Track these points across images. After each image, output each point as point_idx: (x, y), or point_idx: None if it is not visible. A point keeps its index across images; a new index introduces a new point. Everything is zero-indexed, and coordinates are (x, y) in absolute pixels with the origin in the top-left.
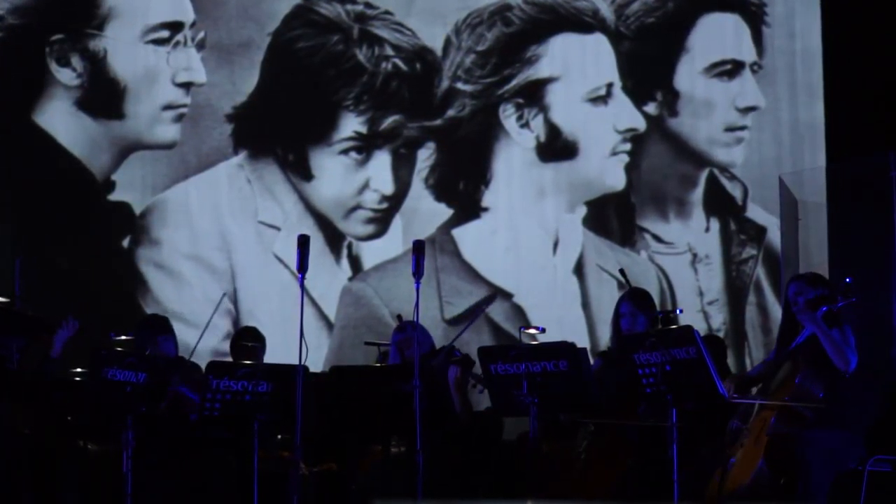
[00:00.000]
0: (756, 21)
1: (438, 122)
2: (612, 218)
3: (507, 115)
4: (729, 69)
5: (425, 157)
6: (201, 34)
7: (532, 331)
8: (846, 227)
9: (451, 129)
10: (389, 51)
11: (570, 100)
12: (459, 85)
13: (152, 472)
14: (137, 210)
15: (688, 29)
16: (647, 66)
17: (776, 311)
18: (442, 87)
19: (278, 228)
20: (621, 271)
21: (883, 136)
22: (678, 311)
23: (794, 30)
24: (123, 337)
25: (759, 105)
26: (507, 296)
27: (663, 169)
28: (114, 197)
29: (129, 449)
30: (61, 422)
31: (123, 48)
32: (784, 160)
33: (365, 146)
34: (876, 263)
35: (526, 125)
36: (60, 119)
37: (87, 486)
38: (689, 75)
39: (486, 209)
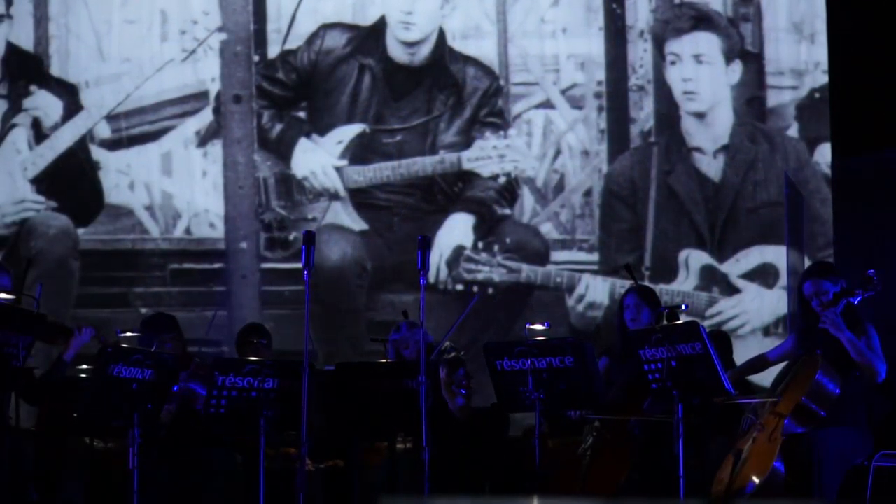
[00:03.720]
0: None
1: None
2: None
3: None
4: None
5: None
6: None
7: (537, 327)
8: (852, 223)
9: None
10: None
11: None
12: None
13: (158, 468)
14: (141, 205)
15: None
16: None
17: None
18: None
19: (285, 226)
20: (626, 266)
21: (889, 133)
22: (683, 307)
23: (801, 24)
24: (129, 334)
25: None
26: (515, 292)
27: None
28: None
29: (135, 446)
30: (67, 419)
31: None
32: (789, 157)
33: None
34: (882, 259)
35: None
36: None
37: (92, 483)
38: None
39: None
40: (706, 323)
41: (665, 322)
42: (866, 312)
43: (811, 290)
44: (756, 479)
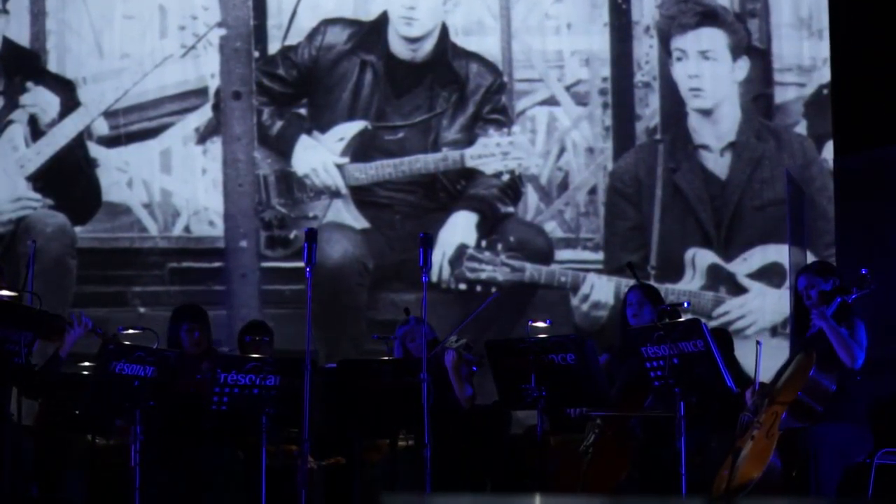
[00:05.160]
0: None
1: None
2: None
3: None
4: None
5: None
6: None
7: (539, 324)
8: (854, 220)
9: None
10: None
11: None
12: None
13: (160, 466)
14: (139, 202)
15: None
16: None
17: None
18: None
19: (285, 225)
20: (629, 265)
21: (891, 130)
22: (685, 304)
23: (809, 20)
24: (131, 331)
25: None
26: (518, 292)
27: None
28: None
29: (136, 443)
30: (69, 416)
31: None
32: (796, 154)
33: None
34: (883, 256)
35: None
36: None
37: (94, 480)
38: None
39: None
40: (712, 323)
41: (667, 320)
42: (862, 312)
43: (804, 285)
44: (754, 476)
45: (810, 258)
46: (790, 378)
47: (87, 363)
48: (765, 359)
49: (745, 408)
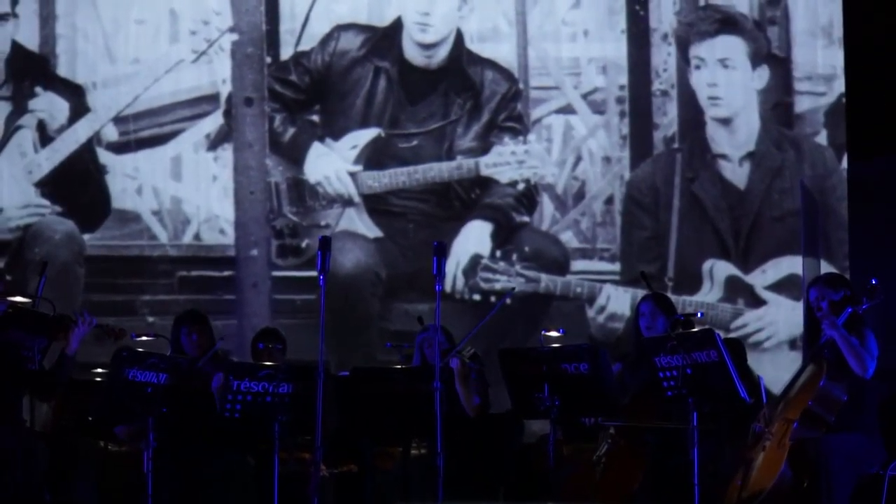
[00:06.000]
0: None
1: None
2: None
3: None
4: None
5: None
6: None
7: (553, 333)
8: (867, 230)
9: None
10: None
11: None
12: None
13: (172, 472)
14: (149, 210)
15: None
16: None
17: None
18: None
19: (297, 233)
20: (642, 274)
21: None
22: (699, 315)
23: (829, 28)
24: (145, 337)
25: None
26: (534, 302)
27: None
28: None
29: (149, 449)
30: (81, 422)
31: None
32: (816, 164)
33: None
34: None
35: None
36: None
37: (105, 486)
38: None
39: None
40: (730, 336)
41: (680, 330)
42: (872, 322)
43: (815, 296)
44: (766, 485)
45: (827, 269)
46: (801, 388)
47: (100, 370)
48: (781, 371)
49: (757, 418)
